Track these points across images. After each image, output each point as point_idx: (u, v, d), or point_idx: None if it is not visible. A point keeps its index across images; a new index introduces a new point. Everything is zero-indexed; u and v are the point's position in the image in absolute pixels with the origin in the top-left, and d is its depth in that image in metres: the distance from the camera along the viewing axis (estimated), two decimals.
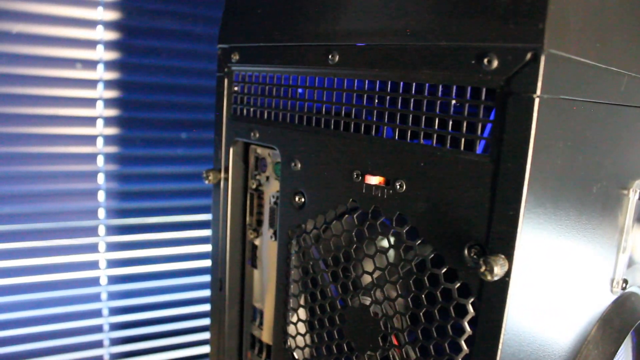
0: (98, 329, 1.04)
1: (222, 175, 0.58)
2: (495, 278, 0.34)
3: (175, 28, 0.96)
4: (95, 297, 1.02)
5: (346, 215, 0.45)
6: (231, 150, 0.57)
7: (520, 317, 0.37)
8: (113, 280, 1.03)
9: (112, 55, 0.93)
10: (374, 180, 0.42)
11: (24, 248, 0.94)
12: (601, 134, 0.43)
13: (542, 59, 0.33)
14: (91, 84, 0.93)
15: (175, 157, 1.02)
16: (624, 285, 0.55)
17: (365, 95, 0.43)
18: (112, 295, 1.04)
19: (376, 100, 0.42)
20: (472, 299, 0.37)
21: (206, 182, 0.57)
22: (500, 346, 0.36)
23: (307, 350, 0.51)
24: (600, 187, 0.45)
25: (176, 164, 1.03)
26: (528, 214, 0.35)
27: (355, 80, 0.44)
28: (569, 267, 0.44)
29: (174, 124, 1.00)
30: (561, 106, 0.36)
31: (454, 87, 0.37)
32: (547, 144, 0.35)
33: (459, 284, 0.38)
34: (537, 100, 0.33)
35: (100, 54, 0.92)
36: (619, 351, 0.60)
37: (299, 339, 0.51)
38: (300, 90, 0.49)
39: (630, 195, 0.52)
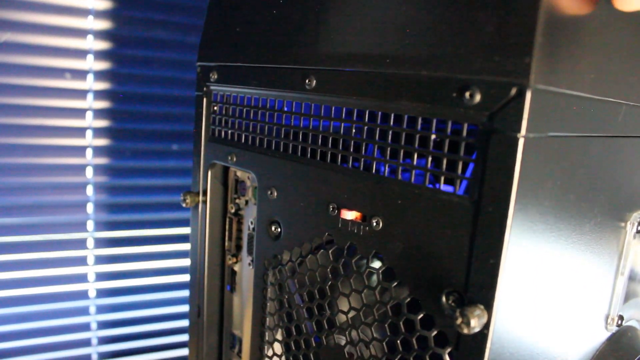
0: (86, 342, 1.02)
1: (200, 198, 0.55)
2: (473, 331, 0.31)
3: (166, 38, 0.94)
4: (84, 311, 1.01)
5: (321, 250, 0.42)
6: (209, 173, 0.54)
7: None
8: (102, 293, 1.01)
9: (102, 65, 0.91)
10: (350, 215, 0.40)
11: (12, 260, 0.92)
12: (595, 169, 0.40)
13: (528, 95, 0.30)
14: (81, 94, 0.91)
15: (166, 169, 1.00)
16: (619, 322, 0.52)
17: (342, 125, 0.41)
18: (101, 309, 1.02)
19: (353, 130, 0.40)
20: (449, 349, 0.35)
21: (183, 205, 0.55)
22: None
23: None
24: (594, 224, 0.42)
25: (167, 176, 1.01)
26: (511, 262, 0.32)
27: (333, 108, 0.41)
28: (558, 311, 0.41)
29: (164, 135, 0.98)
30: (550, 144, 0.33)
31: (434, 121, 0.35)
32: (533, 186, 0.32)
33: (435, 332, 0.35)
34: (521, 141, 0.30)
35: (90, 63, 0.90)
36: None
37: None
38: (277, 115, 0.46)
39: (628, 228, 0.49)
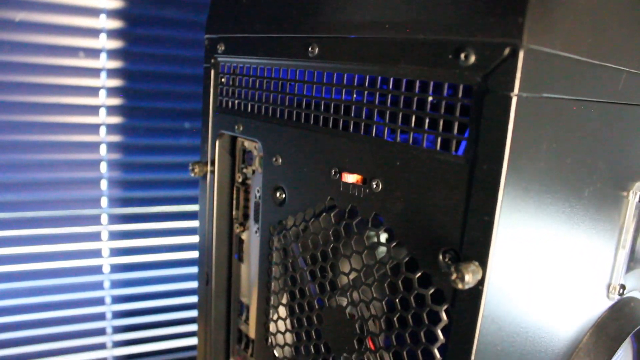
0: (101, 316, 1.04)
1: (209, 168, 0.57)
2: (467, 286, 0.32)
3: (178, 17, 0.95)
4: (98, 285, 1.03)
5: (324, 214, 0.44)
6: (217, 142, 0.55)
7: (498, 327, 0.36)
8: (116, 268, 1.03)
9: (115, 44, 0.93)
10: (351, 178, 0.41)
11: (27, 236, 0.95)
12: (594, 134, 0.41)
13: (521, 55, 0.30)
14: (94, 72, 0.93)
15: (179, 146, 1.02)
16: (621, 290, 0.52)
17: (343, 90, 0.41)
18: (115, 284, 1.04)
19: (354, 95, 0.41)
20: (445, 306, 0.36)
21: (192, 174, 0.56)
22: (472, 356, 0.34)
23: (286, 348, 0.50)
24: (593, 190, 0.43)
25: (179, 154, 1.02)
26: (505, 220, 0.33)
27: (335, 74, 0.42)
28: (556, 274, 0.42)
29: (177, 113, 1.00)
30: (545, 105, 0.34)
31: (431, 84, 0.35)
32: (527, 146, 0.33)
33: (432, 290, 0.36)
34: (514, 99, 0.31)
35: (104, 42, 0.92)
36: (617, 357, 0.58)
37: (279, 337, 0.50)
38: (282, 83, 0.47)
39: (630, 197, 0.50)
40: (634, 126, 0.47)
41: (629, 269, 0.54)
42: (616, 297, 0.53)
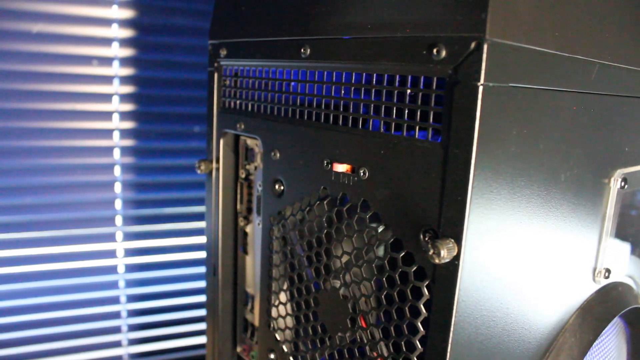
0: (116, 315, 1.08)
1: (214, 165, 0.60)
2: (443, 261, 0.35)
3: (187, 25, 1.00)
4: (113, 285, 1.07)
5: (318, 202, 0.47)
6: (221, 141, 0.59)
7: (476, 300, 0.39)
8: (130, 268, 1.07)
9: (127, 52, 0.97)
10: (341, 168, 0.44)
11: (45, 237, 0.99)
12: (567, 122, 0.44)
13: (485, 47, 0.34)
14: (107, 80, 0.97)
15: (189, 149, 1.06)
16: (606, 274, 0.55)
17: (332, 87, 0.45)
18: (129, 283, 1.08)
19: (342, 91, 0.44)
20: (426, 282, 0.39)
21: (198, 171, 0.60)
22: (452, 327, 0.37)
23: (287, 331, 0.53)
24: (570, 176, 0.46)
25: (190, 156, 1.06)
26: (477, 200, 0.36)
27: (325, 72, 0.45)
28: (535, 254, 0.44)
29: (187, 117, 1.04)
30: (512, 94, 0.37)
31: (409, 78, 0.39)
32: (496, 131, 0.36)
33: (415, 267, 0.39)
34: (481, 88, 0.34)
35: (116, 51, 0.96)
36: (608, 342, 0.60)
37: (280, 321, 0.54)
38: (278, 82, 0.51)
39: (612, 184, 0.52)
40: (611, 115, 0.49)
41: (615, 254, 0.56)
42: (602, 281, 0.55)
